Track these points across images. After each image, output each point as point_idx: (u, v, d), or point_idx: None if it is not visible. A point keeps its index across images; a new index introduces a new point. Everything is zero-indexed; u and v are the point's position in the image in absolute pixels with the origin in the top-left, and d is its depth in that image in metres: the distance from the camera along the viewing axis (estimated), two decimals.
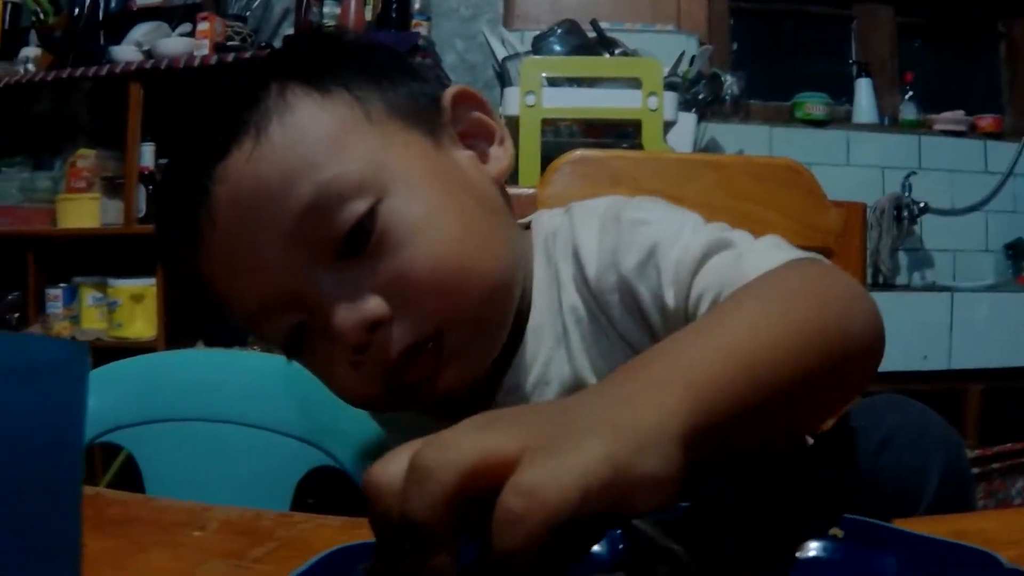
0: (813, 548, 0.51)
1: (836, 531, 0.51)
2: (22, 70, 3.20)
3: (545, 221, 0.84)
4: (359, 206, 0.68)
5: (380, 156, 0.71)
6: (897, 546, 0.48)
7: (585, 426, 0.40)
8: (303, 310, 0.70)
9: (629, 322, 0.76)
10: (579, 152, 1.19)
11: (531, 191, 1.21)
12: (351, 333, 0.68)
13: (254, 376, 1.35)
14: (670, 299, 0.72)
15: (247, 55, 2.85)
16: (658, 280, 0.73)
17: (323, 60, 0.75)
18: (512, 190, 1.24)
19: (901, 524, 0.50)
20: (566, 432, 0.39)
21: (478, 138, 0.81)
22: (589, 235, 0.77)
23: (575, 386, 0.78)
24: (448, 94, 0.79)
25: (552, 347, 0.79)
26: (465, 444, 0.38)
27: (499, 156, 0.81)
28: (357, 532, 0.60)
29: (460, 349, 0.72)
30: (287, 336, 0.72)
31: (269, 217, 0.68)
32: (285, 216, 0.67)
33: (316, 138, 0.69)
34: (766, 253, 0.69)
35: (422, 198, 0.71)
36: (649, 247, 0.73)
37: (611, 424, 0.41)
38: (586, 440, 0.39)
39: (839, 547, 0.50)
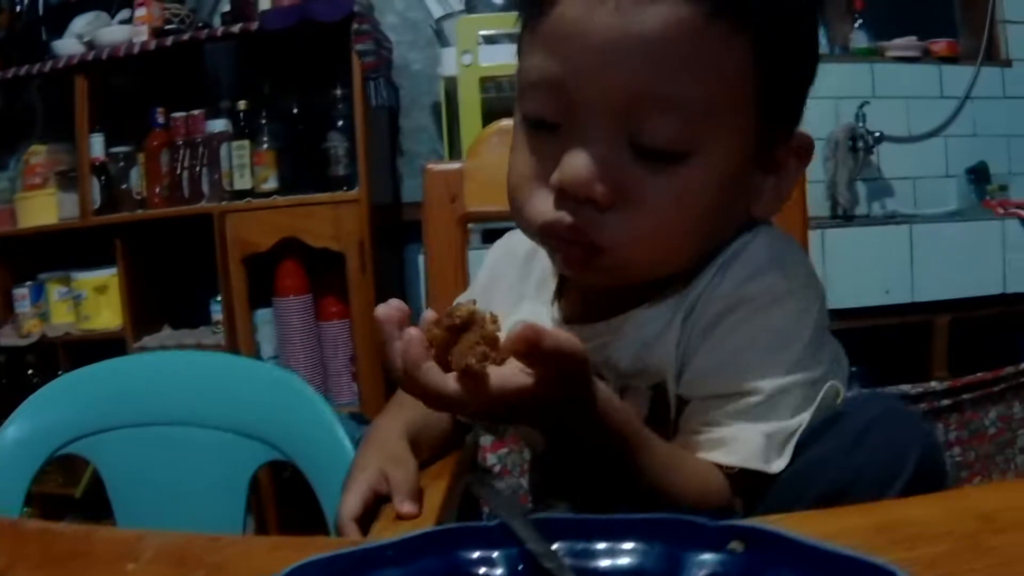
0: (710, 563, 0.50)
1: (736, 544, 0.50)
2: None
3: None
4: (679, 143, 0.72)
5: (728, 135, 0.74)
6: (797, 560, 0.48)
7: None
8: (569, 124, 0.74)
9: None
10: (505, 121, 1.16)
11: (458, 166, 1.22)
12: (568, 180, 0.73)
13: (205, 376, 1.37)
14: (676, 388, 0.79)
15: (185, 37, 2.82)
16: (690, 375, 0.79)
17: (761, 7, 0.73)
18: (439, 166, 1.24)
19: (825, 514, 0.49)
20: None
21: (772, 175, 0.82)
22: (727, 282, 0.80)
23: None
24: (803, 140, 0.82)
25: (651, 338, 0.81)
26: None
27: (769, 201, 0.82)
28: (281, 554, 0.60)
29: (605, 271, 0.77)
30: (540, 117, 0.76)
31: (643, 54, 0.70)
32: (650, 74, 0.70)
33: (717, 71, 0.72)
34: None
35: (705, 186, 0.74)
36: (732, 349, 0.76)
37: None
38: None
39: (738, 560, 0.50)
